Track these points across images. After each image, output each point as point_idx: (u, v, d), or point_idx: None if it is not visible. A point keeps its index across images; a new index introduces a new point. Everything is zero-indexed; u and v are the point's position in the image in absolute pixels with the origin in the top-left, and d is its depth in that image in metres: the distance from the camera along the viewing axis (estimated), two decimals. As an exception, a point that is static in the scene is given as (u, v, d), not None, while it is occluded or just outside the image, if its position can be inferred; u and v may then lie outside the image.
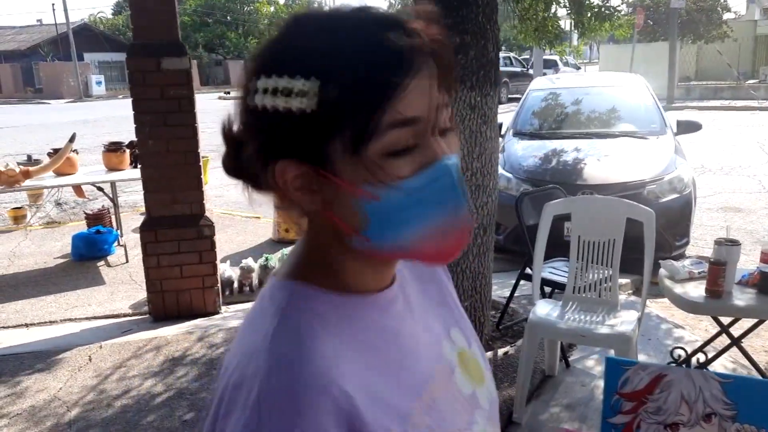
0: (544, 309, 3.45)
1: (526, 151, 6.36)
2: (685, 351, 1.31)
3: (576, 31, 6.09)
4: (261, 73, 0.70)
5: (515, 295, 4.47)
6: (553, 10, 5.85)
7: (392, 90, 0.66)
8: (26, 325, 4.86)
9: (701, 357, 1.37)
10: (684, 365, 1.35)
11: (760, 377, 3.44)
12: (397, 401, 0.74)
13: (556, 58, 25.20)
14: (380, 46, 0.67)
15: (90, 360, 4.09)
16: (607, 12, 5.82)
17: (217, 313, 4.81)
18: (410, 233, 0.71)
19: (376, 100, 0.66)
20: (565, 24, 6.31)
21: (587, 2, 5.82)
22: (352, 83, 0.66)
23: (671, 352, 1.35)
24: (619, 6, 5.71)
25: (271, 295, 0.78)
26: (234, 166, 0.79)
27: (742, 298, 3.14)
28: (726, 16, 28.08)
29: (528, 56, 30.24)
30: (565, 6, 5.85)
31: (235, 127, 0.76)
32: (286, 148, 0.70)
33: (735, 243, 3.16)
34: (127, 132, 5.62)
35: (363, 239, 0.73)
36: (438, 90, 0.70)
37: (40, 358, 4.15)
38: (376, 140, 0.67)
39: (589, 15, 5.80)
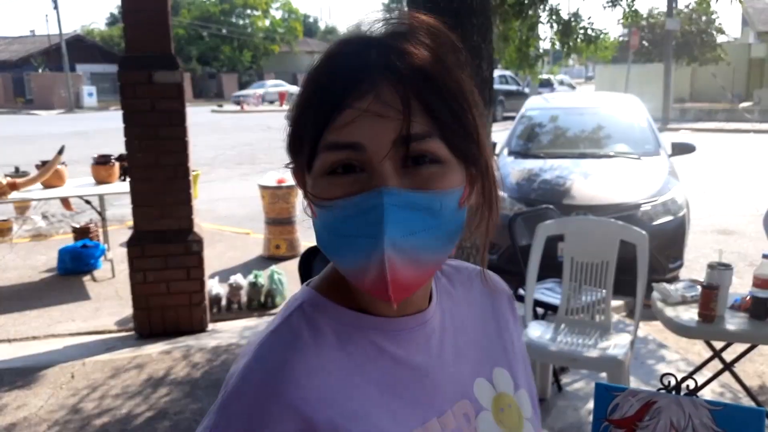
0: (536, 331, 3.40)
1: (520, 171, 6.33)
2: (675, 378, 1.27)
3: (563, 51, 6.10)
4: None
5: (507, 316, 4.41)
6: (535, 31, 5.87)
7: (328, 112, 0.68)
8: (8, 341, 4.77)
9: (691, 384, 1.32)
10: (674, 392, 1.31)
11: (753, 403, 3.40)
12: (382, 425, 0.73)
13: (552, 77, 25.33)
14: (331, 68, 0.70)
15: (72, 377, 4.01)
16: (593, 34, 5.84)
17: (204, 330, 4.73)
18: (338, 258, 0.72)
19: (317, 123, 0.69)
20: (545, 44, 6.34)
21: (574, 24, 5.84)
22: (304, 101, 0.72)
23: (661, 379, 1.31)
24: (605, 30, 5.70)
25: (293, 298, 0.81)
26: None
27: (734, 322, 3.11)
28: (720, 38, 28.29)
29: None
30: (552, 26, 5.86)
31: None
32: (290, 156, 0.77)
33: (727, 267, 3.12)
34: (117, 144, 5.55)
35: None
36: (413, 116, 0.67)
37: (21, 375, 4.06)
38: (317, 159, 0.70)
39: (575, 37, 5.82)
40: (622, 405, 1.39)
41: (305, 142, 0.71)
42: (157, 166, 4.49)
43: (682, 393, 1.34)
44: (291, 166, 0.77)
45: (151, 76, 4.40)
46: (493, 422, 0.83)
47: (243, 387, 0.71)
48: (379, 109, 0.67)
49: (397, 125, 0.67)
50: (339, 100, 0.67)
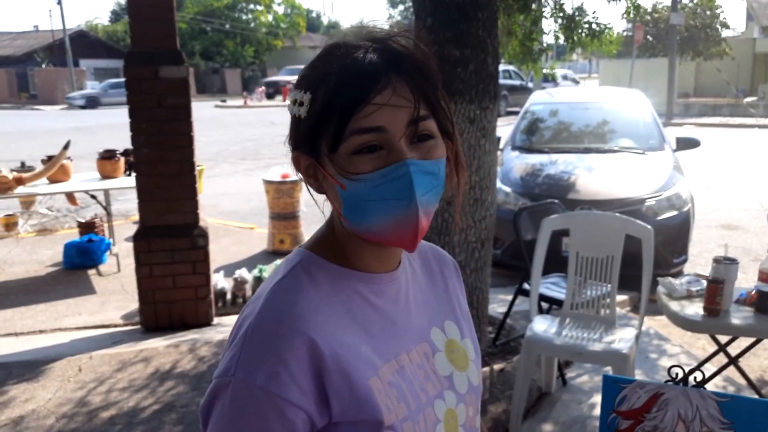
0: (542, 325, 3.41)
1: (525, 166, 6.33)
2: (683, 369, 1.29)
3: (567, 45, 6.09)
4: (294, 87, 0.93)
5: (512, 311, 4.42)
6: (539, 25, 5.86)
7: (356, 104, 0.85)
8: (16, 334, 4.80)
9: (698, 376, 1.34)
10: (681, 384, 1.33)
11: (757, 396, 3.41)
12: (366, 354, 0.93)
13: (554, 72, 25.25)
14: (353, 67, 0.87)
15: (80, 371, 4.03)
16: (598, 29, 5.82)
17: (210, 324, 4.76)
18: (371, 218, 0.90)
19: (344, 112, 0.86)
20: (548, 39, 6.33)
21: (579, 19, 5.83)
22: (329, 97, 0.87)
23: (668, 371, 1.33)
24: (609, 24, 5.68)
25: (289, 258, 1.00)
26: None
27: (739, 316, 3.11)
28: (725, 33, 28.19)
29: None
30: (556, 20, 5.85)
31: None
32: (298, 143, 0.94)
33: (733, 261, 3.13)
34: (121, 139, 5.59)
35: (345, 220, 0.93)
36: (413, 102, 0.87)
37: (29, 368, 4.09)
38: (344, 142, 0.87)
39: (579, 31, 5.80)
40: (629, 397, 1.40)
41: (329, 129, 0.88)
42: (162, 161, 4.50)
43: (689, 385, 1.35)
44: (298, 152, 0.94)
45: (157, 72, 4.41)
46: (446, 361, 1.05)
47: (262, 323, 0.90)
48: (396, 100, 0.86)
49: (408, 111, 0.87)
50: (364, 94, 0.85)
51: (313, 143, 0.91)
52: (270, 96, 35.82)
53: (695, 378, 1.40)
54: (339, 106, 0.86)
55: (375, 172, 0.87)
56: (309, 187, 0.97)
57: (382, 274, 1.00)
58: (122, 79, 5.97)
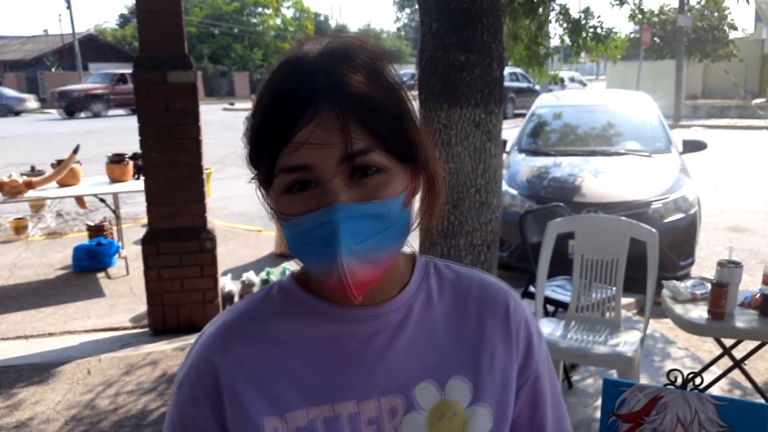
0: (547, 328, 3.43)
1: (531, 168, 6.34)
2: (682, 373, 1.31)
3: (573, 49, 6.11)
4: None
5: (517, 313, 4.43)
6: (545, 29, 5.89)
7: (279, 142, 0.76)
8: (25, 337, 4.84)
9: (697, 379, 1.36)
10: (680, 387, 1.35)
11: (762, 401, 3.41)
12: (280, 392, 0.85)
13: (562, 74, 25.21)
14: (279, 100, 0.77)
15: (89, 373, 4.07)
16: (603, 33, 5.84)
17: (218, 327, 4.78)
18: (305, 261, 0.81)
19: (270, 149, 0.78)
20: (554, 42, 6.35)
21: (584, 23, 5.85)
22: (256, 133, 0.80)
23: (667, 374, 1.35)
24: (614, 28, 5.75)
25: (277, 281, 0.96)
26: None
27: (743, 319, 3.12)
28: (733, 34, 28.08)
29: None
30: (562, 25, 5.87)
31: None
32: (250, 168, 0.86)
33: (737, 265, 3.13)
34: (130, 143, 5.63)
35: None
36: (348, 136, 0.75)
37: (38, 371, 4.13)
38: (276, 179, 0.79)
39: (585, 35, 5.83)
40: (629, 400, 1.42)
41: (263, 164, 0.81)
42: (171, 165, 4.54)
43: (688, 388, 1.37)
44: (254, 178, 0.86)
45: (166, 76, 4.45)
46: (423, 425, 0.86)
47: (194, 344, 0.91)
48: (322, 135, 0.75)
49: (340, 146, 0.75)
50: (287, 129, 0.76)
51: (256, 172, 0.85)
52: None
53: (694, 381, 1.42)
54: (266, 138, 0.79)
55: (304, 216, 0.78)
56: (270, 213, 0.88)
57: (360, 308, 0.87)
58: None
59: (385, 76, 0.81)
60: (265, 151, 0.79)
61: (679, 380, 1.44)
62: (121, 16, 54.53)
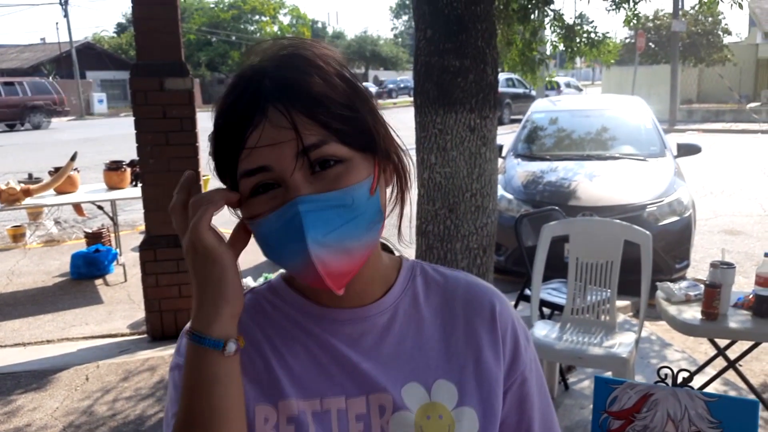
0: (543, 330, 3.45)
1: (527, 173, 6.37)
2: (672, 370, 1.33)
3: (567, 54, 6.15)
4: None
5: (514, 316, 4.45)
6: (539, 35, 5.91)
7: (235, 149, 0.79)
8: (23, 344, 4.85)
9: (684, 374, 1.39)
10: (670, 384, 1.37)
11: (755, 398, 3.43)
12: (275, 385, 0.86)
13: (558, 79, 25.28)
14: (230, 108, 0.80)
15: (87, 380, 4.08)
16: (597, 39, 5.88)
17: (215, 332, 4.79)
18: (279, 260, 0.82)
19: (228, 157, 0.81)
20: (548, 48, 6.38)
21: (578, 28, 5.89)
22: (214, 143, 0.82)
23: (658, 372, 1.37)
24: (608, 33, 5.73)
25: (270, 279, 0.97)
26: None
27: (737, 320, 3.15)
28: (727, 39, 28.17)
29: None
30: (555, 31, 5.91)
31: None
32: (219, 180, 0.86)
33: (730, 266, 3.17)
34: (128, 150, 5.64)
35: None
36: (305, 130, 0.77)
37: (36, 377, 4.14)
38: (240, 185, 0.81)
39: (578, 40, 5.86)
40: (620, 397, 1.44)
41: (227, 174, 0.83)
42: (168, 172, 4.56)
43: (679, 385, 1.39)
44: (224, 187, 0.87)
45: (162, 84, 4.48)
46: (410, 424, 0.87)
47: (183, 335, 0.86)
48: (272, 134, 0.77)
49: (293, 143, 0.77)
50: (240, 134, 0.78)
51: (224, 182, 0.86)
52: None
53: (684, 378, 1.43)
54: (222, 147, 0.82)
55: (270, 215, 0.79)
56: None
57: (344, 310, 0.90)
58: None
59: (331, 72, 0.82)
60: (225, 160, 0.81)
61: (670, 378, 1.45)
62: (118, 24, 54.56)
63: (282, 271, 0.93)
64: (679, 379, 1.35)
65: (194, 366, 0.80)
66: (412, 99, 3.81)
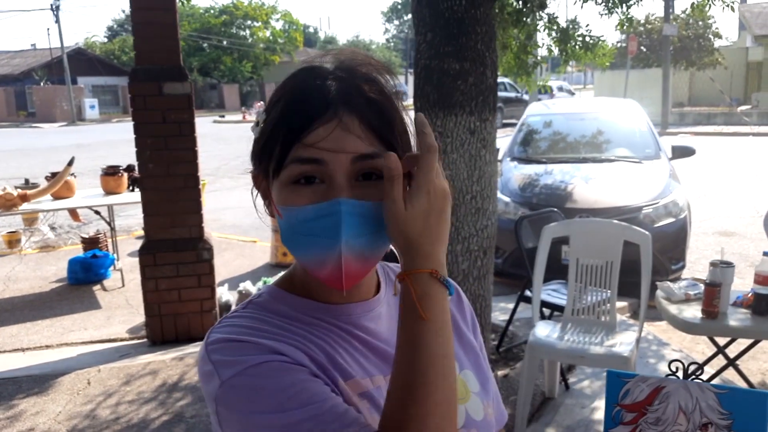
0: (544, 330, 3.48)
1: (523, 176, 6.41)
2: (683, 363, 1.35)
3: (561, 58, 6.19)
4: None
5: (513, 318, 4.48)
6: (533, 39, 5.96)
7: (299, 130, 0.83)
8: (23, 350, 4.84)
9: (694, 367, 1.41)
10: (681, 377, 1.40)
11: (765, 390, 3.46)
12: (336, 366, 0.88)
13: (551, 84, 25.39)
14: (303, 94, 0.86)
15: (88, 384, 4.08)
16: (591, 42, 5.93)
17: (215, 336, 4.79)
18: (301, 251, 0.87)
19: (287, 137, 0.84)
20: (542, 52, 6.43)
21: (572, 32, 5.94)
22: (276, 120, 0.87)
23: (669, 365, 1.39)
24: (602, 36, 5.82)
25: (256, 293, 0.99)
26: None
27: (736, 318, 3.19)
28: (718, 43, 28.38)
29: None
30: (550, 34, 5.95)
31: None
32: (254, 163, 0.93)
33: (729, 265, 3.20)
34: (121, 156, 5.68)
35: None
36: (361, 140, 0.83)
37: (38, 382, 4.13)
38: (285, 169, 0.85)
39: (573, 44, 5.91)
40: (632, 390, 1.46)
41: (274, 154, 0.87)
42: (167, 176, 4.57)
43: (689, 378, 1.41)
44: (254, 171, 0.94)
45: (161, 88, 4.49)
46: None
47: (228, 339, 0.86)
48: (341, 135, 0.83)
49: (353, 147, 0.83)
50: (308, 123, 0.83)
51: (264, 165, 0.90)
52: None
53: (694, 371, 1.46)
54: (283, 130, 0.85)
55: (307, 206, 0.84)
56: (266, 208, 0.95)
57: (356, 304, 0.96)
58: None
59: (389, 88, 0.89)
60: (279, 143, 0.85)
61: (681, 371, 1.48)
62: (110, 29, 54.49)
63: (276, 278, 0.99)
64: (692, 373, 1.38)
65: (444, 309, 0.82)
66: (407, 103, 3.82)
